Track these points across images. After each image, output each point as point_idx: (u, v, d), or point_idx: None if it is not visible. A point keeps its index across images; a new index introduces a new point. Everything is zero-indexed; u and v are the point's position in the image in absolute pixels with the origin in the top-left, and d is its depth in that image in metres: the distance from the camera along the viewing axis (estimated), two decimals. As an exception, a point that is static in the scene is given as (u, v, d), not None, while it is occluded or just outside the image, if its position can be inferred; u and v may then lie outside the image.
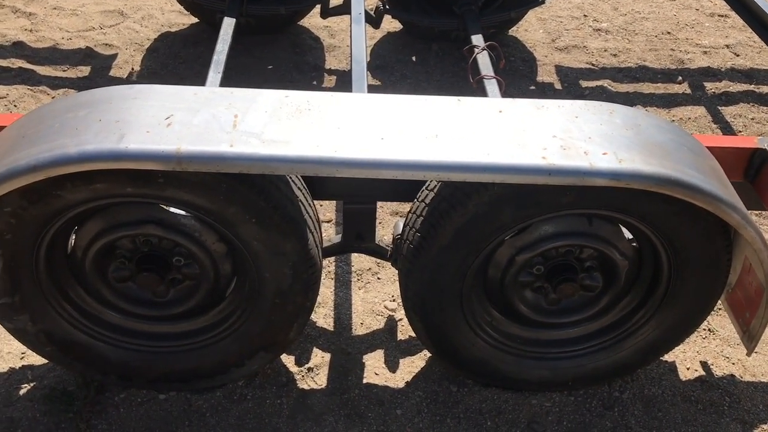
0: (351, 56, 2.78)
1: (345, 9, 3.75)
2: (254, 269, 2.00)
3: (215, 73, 3.06)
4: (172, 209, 2.00)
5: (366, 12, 3.68)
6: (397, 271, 2.70)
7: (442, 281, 2.04)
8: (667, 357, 2.45)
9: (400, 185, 2.16)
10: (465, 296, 2.10)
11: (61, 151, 1.71)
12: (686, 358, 2.48)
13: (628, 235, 2.14)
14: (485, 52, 3.34)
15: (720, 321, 2.61)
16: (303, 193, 2.03)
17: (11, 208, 1.81)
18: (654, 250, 2.08)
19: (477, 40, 3.46)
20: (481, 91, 3.14)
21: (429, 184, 2.05)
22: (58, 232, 1.96)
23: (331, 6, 3.77)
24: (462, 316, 2.14)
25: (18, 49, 3.82)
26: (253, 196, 1.85)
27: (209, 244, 2.05)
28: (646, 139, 1.89)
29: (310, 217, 2.03)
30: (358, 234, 2.33)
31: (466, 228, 1.93)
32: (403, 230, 2.11)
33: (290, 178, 1.99)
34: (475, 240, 1.95)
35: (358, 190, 2.24)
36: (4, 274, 1.95)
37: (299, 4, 3.88)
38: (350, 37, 2.91)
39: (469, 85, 3.68)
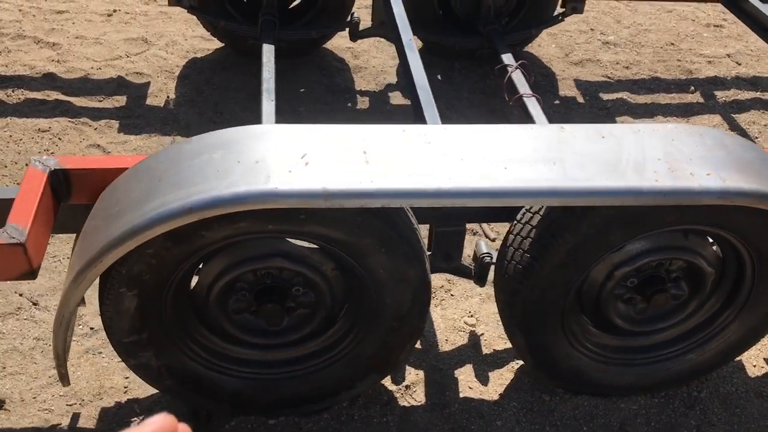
0: (414, 85, 2.87)
1: (374, 32, 3.87)
2: (374, 295, 2.09)
3: (268, 101, 3.14)
4: (293, 241, 2.08)
5: (390, 32, 3.80)
6: (469, 288, 2.83)
7: (549, 299, 2.16)
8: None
9: (494, 208, 2.29)
10: (566, 311, 2.23)
11: (213, 193, 1.77)
12: (750, 356, 2.66)
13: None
14: (518, 70, 3.49)
15: (775, 319, 2.79)
16: (414, 221, 2.13)
17: (154, 249, 1.87)
18: (738, 257, 2.24)
19: (507, 58, 3.60)
20: (521, 109, 3.29)
21: (532, 207, 2.17)
22: (188, 269, 2.02)
23: (360, 29, 3.87)
24: (562, 331, 2.26)
25: (49, 80, 3.82)
26: (384, 226, 1.95)
27: (328, 272, 2.13)
28: (736, 158, 2.05)
29: (422, 242, 2.13)
30: (446, 255, 2.43)
31: (577, 248, 2.05)
32: (506, 252, 2.22)
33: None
34: (584, 259, 2.08)
35: (451, 214, 2.35)
36: (137, 313, 2.00)
37: (329, 27, 3.97)
38: (408, 65, 2.99)
39: (499, 101, 3.84)
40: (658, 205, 1.93)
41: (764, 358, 2.65)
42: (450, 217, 2.34)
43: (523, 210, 2.20)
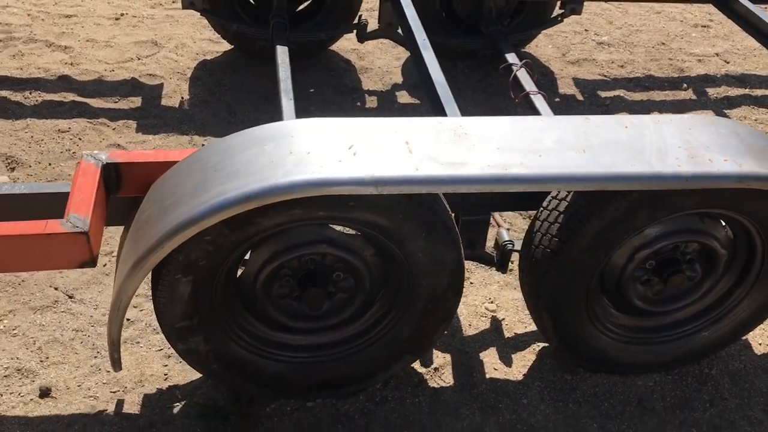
0: (432, 81, 3.00)
1: (381, 33, 3.99)
2: (411, 279, 2.21)
3: (287, 99, 3.26)
4: (337, 227, 2.19)
5: (398, 34, 3.94)
6: (487, 276, 2.96)
7: (576, 281, 2.29)
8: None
9: (520, 196, 2.42)
10: (590, 293, 2.36)
11: (271, 181, 1.88)
12: (755, 336, 2.81)
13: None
14: (523, 68, 3.63)
15: (776, 301, 2.95)
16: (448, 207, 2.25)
17: (211, 236, 1.97)
18: (749, 238, 2.39)
19: (512, 58, 3.74)
20: (528, 105, 3.42)
21: (558, 194, 2.30)
22: (238, 257, 2.12)
23: (368, 31, 3.99)
24: (585, 311, 2.40)
25: (65, 82, 3.89)
26: (424, 212, 2.07)
27: (367, 257, 2.25)
28: (749, 146, 2.20)
29: (456, 228, 2.25)
30: (470, 243, 2.55)
31: (604, 231, 2.19)
32: (533, 237, 2.35)
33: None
34: (609, 241, 2.22)
35: (476, 203, 2.47)
36: (190, 298, 2.10)
37: (338, 29, 4.09)
38: (424, 63, 3.12)
39: (502, 100, 3.98)
40: (680, 189, 2.07)
41: (768, 337, 2.82)
42: (477, 205, 2.46)
43: (550, 197, 2.33)
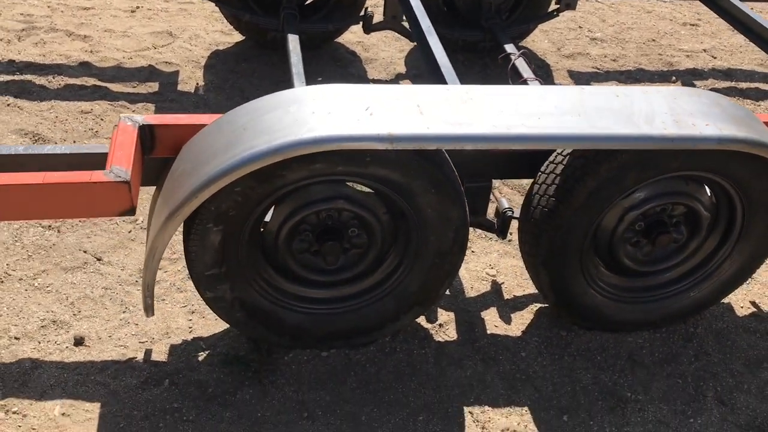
0: (437, 64, 3.21)
1: (386, 25, 4.20)
2: (420, 234, 2.40)
3: (299, 82, 3.46)
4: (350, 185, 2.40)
5: (402, 26, 4.15)
6: (487, 245, 3.16)
7: (571, 239, 2.49)
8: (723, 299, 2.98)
9: (520, 162, 2.63)
10: (584, 252, 2.56)
11: (296, 137, 2.08)
12: (737, 300, 3.02)
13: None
14: (521, 58, 3.85)
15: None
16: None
17: (241, 188, 2.16)
18: (730, 201, 2.59)
19: (510, 48, 3.96)
20: (526, 92, 3.63)
21: (555, 158, 2.51)
22: (262, 212, 2.32)
23: (374, 22, 4.20)
24: (579, 269, 2.60)
25: (85, 68, 4.09)
26: (434, 169, 2.27)
27: (380, 215, 2.45)
28: (730, 114, 2.41)
29: (462, 187, 2.45)
30: (473, 209, 2.75)
31: (597, 191, 2.39)
32: (532, 199, 2.55)
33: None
34: (601, 201, 2.42)
35: (478, 169, 2.66)
36: (219, 247, 2.29)
37: (344, 21, 4.31)
38: (430, 48, 3.33)
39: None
40: (666, 149, 2.28)
41: (750, 301, 3.02)
42: (480, 172, 2.66)
43: (548, 162, 2.53)
